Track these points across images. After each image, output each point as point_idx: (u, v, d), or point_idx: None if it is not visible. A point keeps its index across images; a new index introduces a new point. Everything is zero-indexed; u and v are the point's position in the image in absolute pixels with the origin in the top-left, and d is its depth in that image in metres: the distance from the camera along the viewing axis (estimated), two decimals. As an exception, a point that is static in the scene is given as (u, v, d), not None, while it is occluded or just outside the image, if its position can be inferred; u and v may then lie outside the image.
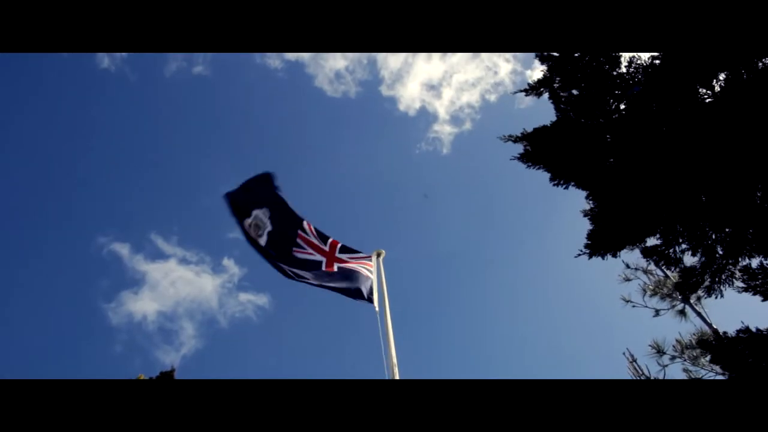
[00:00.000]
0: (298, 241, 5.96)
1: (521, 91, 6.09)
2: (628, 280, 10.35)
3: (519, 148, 6.47)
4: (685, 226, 6.29)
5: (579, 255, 6.33)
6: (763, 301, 5.96)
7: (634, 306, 9.87)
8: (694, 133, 6.11)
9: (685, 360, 8.83)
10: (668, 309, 9.41)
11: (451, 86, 40.67)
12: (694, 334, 8.94)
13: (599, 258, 6.37)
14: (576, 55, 5.95)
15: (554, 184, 6.24)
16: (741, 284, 6.36)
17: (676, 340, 8.67)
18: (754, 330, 6.52)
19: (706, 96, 6.21)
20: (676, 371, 10.68)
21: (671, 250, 6.44)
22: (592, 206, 6.32)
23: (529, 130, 6.06)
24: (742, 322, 6.61)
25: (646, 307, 9.79)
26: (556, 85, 5.97)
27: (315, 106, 40.19)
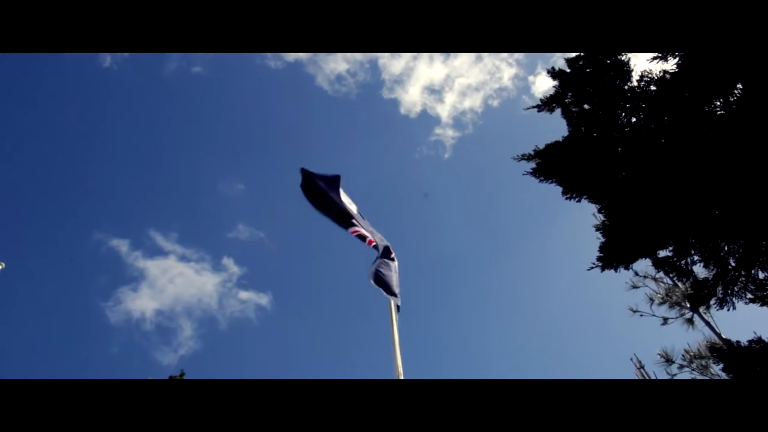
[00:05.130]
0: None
1: (534, 107, 6.09)
2: (635, 287, 10.37)
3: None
4: (698, 238, 6.30)
5: (592, 268, 6.34)
6: (773, 312, 5.98)
7: (642, 315, 9.89)
8: (706, 145, 6.13)
9: (694, 369, 8.85)
10: (677, 317, 9.43)
11: (454, 90, 40.71)
12: (704, 342, 8.95)
13: (612, 271, 6.38)
14: (588, 70, 5.97)
15: (567, 198, 6.25)
16: (749, 295, 6.39)
17: (685, 350, 8.70)
18: (766, 340, 6.56)
19: (718, 108, 6.23)
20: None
21: (683, 262, 6.45)
22: (604, 219, 6.33)
23: (539, 141, 6.08)
24: (755, 333, 6.65)
25: (654, 315, 9.81)
26: (567, 101, 5.98)
27: (316, 108, 40.27)
